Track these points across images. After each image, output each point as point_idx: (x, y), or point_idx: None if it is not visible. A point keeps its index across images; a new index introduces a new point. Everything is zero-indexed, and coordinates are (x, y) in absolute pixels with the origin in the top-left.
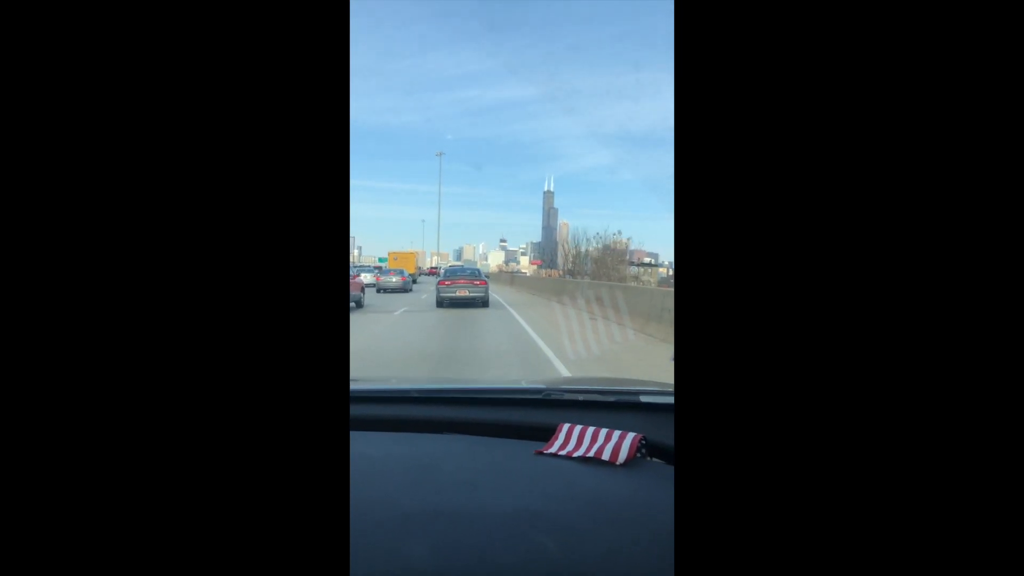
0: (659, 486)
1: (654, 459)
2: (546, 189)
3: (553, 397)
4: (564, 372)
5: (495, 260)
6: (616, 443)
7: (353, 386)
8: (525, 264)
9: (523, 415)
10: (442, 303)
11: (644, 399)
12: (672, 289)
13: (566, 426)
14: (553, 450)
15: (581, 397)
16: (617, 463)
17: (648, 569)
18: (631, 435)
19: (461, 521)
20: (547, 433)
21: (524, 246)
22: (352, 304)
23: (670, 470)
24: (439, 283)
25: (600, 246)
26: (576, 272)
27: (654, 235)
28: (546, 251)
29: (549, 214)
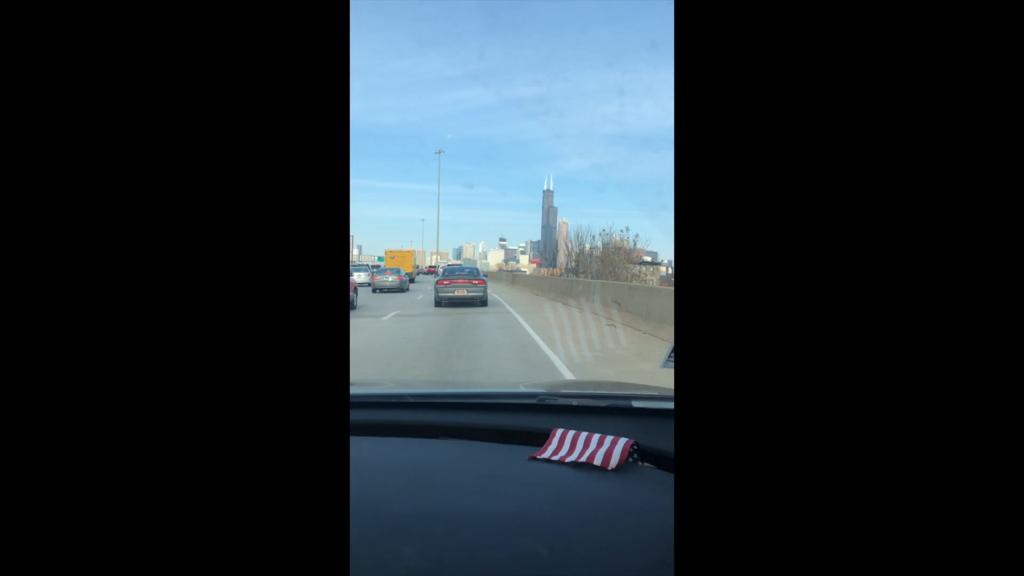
0: (651, 491)
1: (646, 464)
2: (546, 188)
3: (547, 402)
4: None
5: (495, 259)
6: (608, 448)
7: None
8: (525, 263)
9: (517, 420)
10: (440, 302)
11: (636, 404)
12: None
13: (559, 431)
14: (546, 455)
15: (575, 402)
16: (609, 468)
17: (641, 574)
18: (623, 440)
19: (455, 526)
20: (541, 438)
21: (523, 245)
22: None
23: (662, 475)
24: (437, 282)
25: (605, 243)
26: (581, 271)
27: (654, 234)
28: (547, 250)
29: (548, 213)
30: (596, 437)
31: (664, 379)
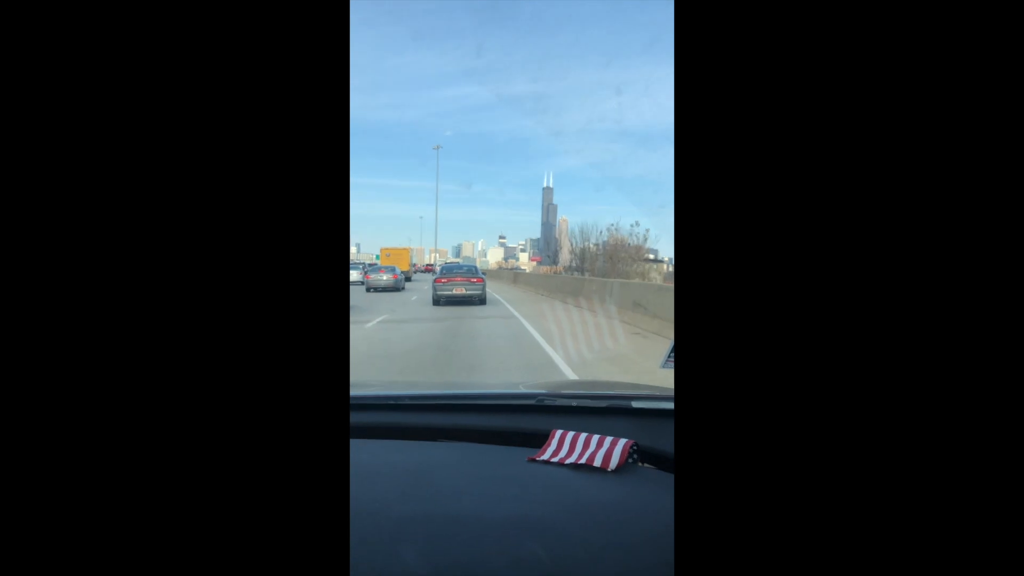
0: (651, 492)
1: (646, 465)
2: (545, 185)
3: (546, 403)
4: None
5: (494, 257)
6: (608, 449)
7: None
8: (524, 260)
9: (516, 421)
10: (438, 301)
11: (636, 404)
12: None
13: (558, 432)
14: (546, 457)
15: (574, 403)
16: (609, 469)
17: (641, 575)
18: (623, 441)
19: (454, 528)
20: (540, 439)
21: (523, 242)
22: None
23: (661, 476)
24: (435, 280)
25: (612, 239)
26: (587, 268)
27: (652, 231)
28: (548, 247)
29: (548, 210)
30: (596, 438)
31: (664, 380)
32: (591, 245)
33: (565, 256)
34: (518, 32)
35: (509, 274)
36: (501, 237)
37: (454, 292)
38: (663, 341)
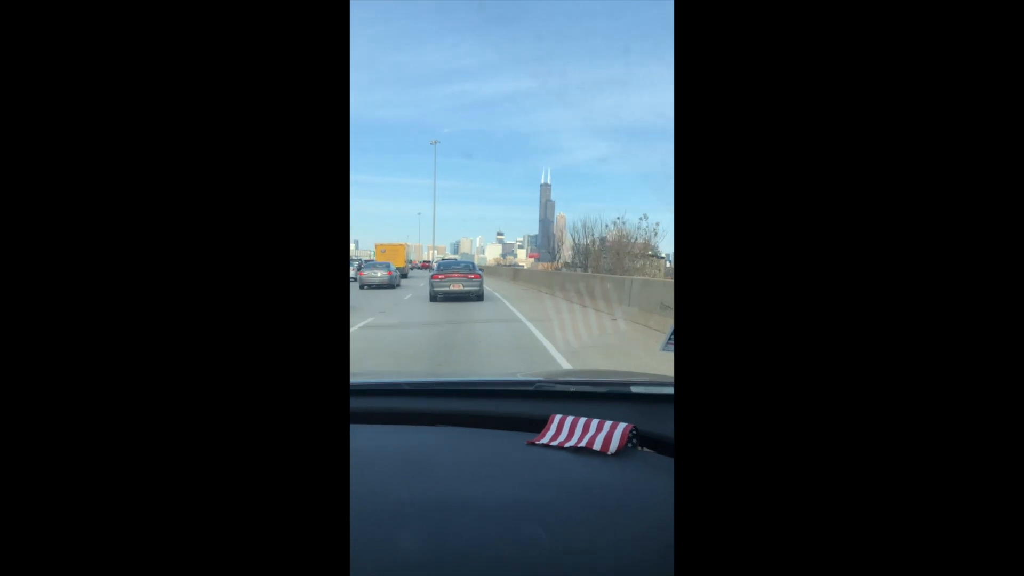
0: (651, 475)
1: (645, 449)
2: (543, 182)
3: (544, 389)
4: None
5: (492, 253)
6: (607, 433)
7: None
8: (522, 257)
9: (514, 406)
10: (435, 297)
11: (635, 389)
12: None
13: (557, 417)
14: (545, 441)
15: (572, 388)
16: (609, 453)
17: (642, 558)
18: (622, 425)
19: (453, 512)
20: (539, 424)
21: (521, 239)
22: None
23: (661, 459)
24: (432, 277)
25: (619, 234)
26: (591, 265)
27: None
28: (549, 242)
29: (546, 207)
30: (595, 422)
31: (664, 370)
32: (595, 239)
33: (565, 252)
34: (517, 28)
35: (508, 271)
36: (499, 234)
37: (451, 288)
38: None
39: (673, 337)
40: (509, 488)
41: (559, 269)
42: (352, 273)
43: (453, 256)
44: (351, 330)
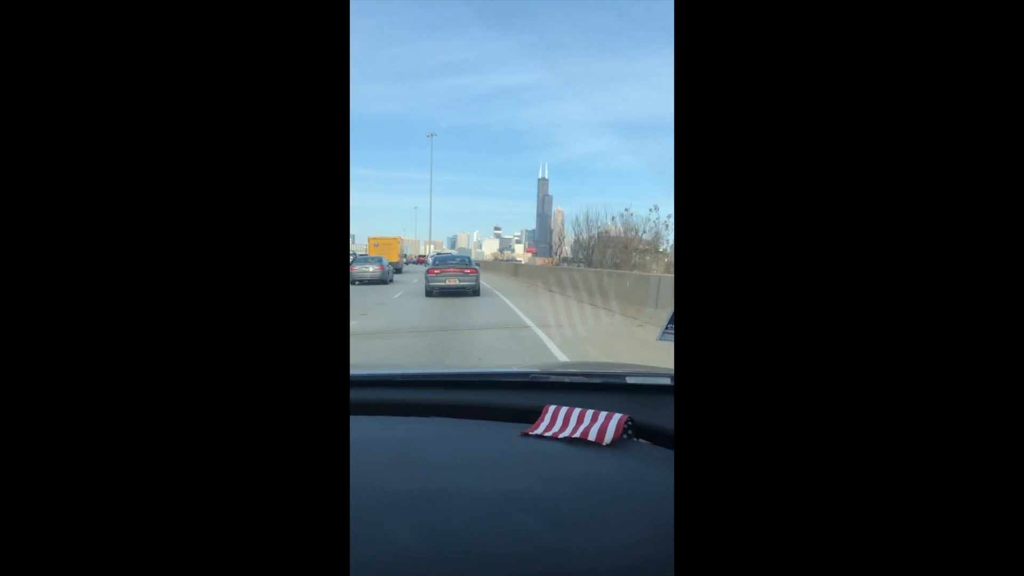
0: (646, 466)
1: (640, 440)
2: (540, 176)
3: (539, 380)
4: None
5: (489, 248)
6: (602, 424)
7: None
8: (520, 252)
9: (509, 397)
10: (431, 292)
11: (631, 380)
12: None
13: (552, 407)
14: (539, 431)
15: (567, 379)
16: (603, 444)
17: (637, 549)
18: (617, 416)
19: (448, 503)
20: (533, 415)
21: (518, 234)
22: None
23: (657, 451)
24: (428, 271)
25: (625, 227)
26: (595, 261)
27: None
28: (547, 238)
29: (543, 201)
30: (590, 413)
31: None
32: (596, 233)
33: (564, 248)
34: (516, 23)
35: (508, 266)
36: (496, 228)
37: (447, 283)
38: None
39: (672, 327)
40: (503, 479)
41: (560, 264)
42: None
43: (450, 251)
44: None
